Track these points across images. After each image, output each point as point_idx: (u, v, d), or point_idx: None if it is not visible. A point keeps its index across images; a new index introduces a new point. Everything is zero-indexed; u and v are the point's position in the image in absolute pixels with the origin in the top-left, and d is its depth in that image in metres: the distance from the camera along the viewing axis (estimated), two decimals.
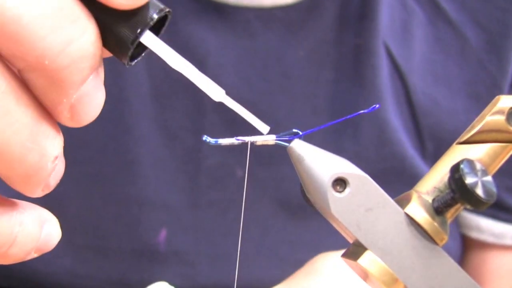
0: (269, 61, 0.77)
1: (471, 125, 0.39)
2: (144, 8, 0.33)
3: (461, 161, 0.36)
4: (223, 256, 0.77)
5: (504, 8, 0.79)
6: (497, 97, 0.38)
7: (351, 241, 0.38)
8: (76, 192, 0.75)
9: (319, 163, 0.37)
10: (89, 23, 0.32)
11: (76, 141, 0.73)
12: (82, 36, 0.32)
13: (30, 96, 0.33)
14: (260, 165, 0.76)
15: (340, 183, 0.37)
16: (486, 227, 0.83)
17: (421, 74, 0.79)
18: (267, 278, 0.72)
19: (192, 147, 0.76)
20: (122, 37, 0.33)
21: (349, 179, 0.37)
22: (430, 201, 0.37)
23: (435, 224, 0.37)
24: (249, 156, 0.40)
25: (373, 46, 0.77)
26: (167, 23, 0.35)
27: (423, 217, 0.37)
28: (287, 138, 0.38)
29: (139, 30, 0.33)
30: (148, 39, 0.34)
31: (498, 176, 0.39)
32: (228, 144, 0.39)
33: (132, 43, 0.33)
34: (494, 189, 0.36)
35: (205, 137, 0.39)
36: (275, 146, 0.39)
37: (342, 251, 0.39)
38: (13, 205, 0.35)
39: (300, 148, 0.37)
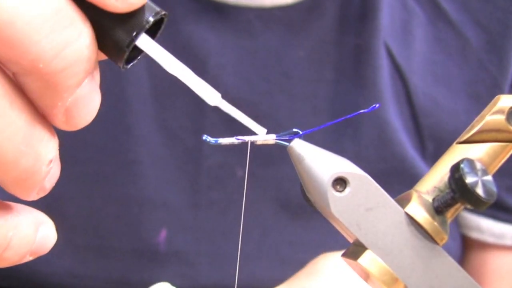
0: (270, 61, 0.77)
1: (471, 125, 0.39)
2: (140, 11, 0.33)
3: (461, 161, 0.36)
4: (223, 256, 0.77)
5: (505, 8, 0.79)
6: (497, 96, 0.38)
7: (351, 241, 0.38)
8: (76, 192, 0.75)
9: (319, 162, 0.37)
10: (84, 26, 0.32)
11: (76, 141, 0.73)
12: (77, 40, 0.31)
13: (24, 100, 0.32)
14: (261, 165, 0.76)
15: (340, 182, 0.37)
16: (486, 227, 0.83)
17: (421, 74, 0.79)
18: (268, 278, 0.73)
19: (192, 147, 0.76)
20: (118, 41, 0.33)
21: (349, 179, 0.37)
22: (430, 200, 0.37)
23: (435, 223, 0.37)
24: (250, 156, 0.40)
25: (373, 46, 0.77)
26: (163, 26, 0.35)
27: (423, 216, 0.37)
28: (287, 138, 0.38)
29: (134, 33, 0.33)
30: (144, 42, 0.33)
31: (498, 176, 0.39)
32: (228, 143, 0.39)
33: (127, 47, 0.33)
34: (494, 189, 0.36)
35: (205, 137, 0.39)
36: (276, 146, 0.39)
37: (344, 251, 0.39)
38: (8, 208, 0.35)
39: (300, 147, 0.37)
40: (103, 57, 0.34)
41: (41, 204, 0.79)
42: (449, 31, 0.80)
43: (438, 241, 0.37)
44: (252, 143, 0.39)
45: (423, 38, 0.79)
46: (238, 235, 0.77)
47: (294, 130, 0.38)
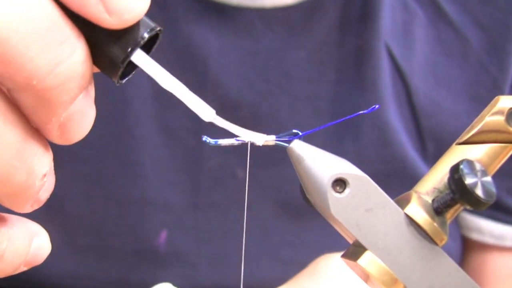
0: (270, 62, 0.77)
1: (470, 126, 0.39)
2: (135, 27, 0.33)
3: (461, 162, 0.36)
4: (224, 257, 0.77)
5: (505, 10, 0.79)
6: (496, 97, 0.38)
7: (351, 242, 0.38)
8: (77, 192, 0.76)
9: (318, 163, 0.37)
10: (78, 43, 0.32)
11: (77, 141, 0.73)
12: (71, 57, 0.31)
13: (18, 115, 0.32)
14: (261, 166, 0.76)
15: (340, 183, 0.37)
16: (486, 228, 0.83)
17: (422, 75, 0.79)
18: (268, 279, 0.72)
19: (193, 148, 0.76)
20: (113, 57, 0.33)
21: (349, 180, 0.37)
22: (430, 201, 0.37)
23: (435, 224, 0.37)
24: (250, 158, 0.40)
25: (374, 47, 0.77)
26: (158, 42, 0.35)
27: (422, 217, 0.37)
28: (287, 139, 0.38)
29: (129, 49, 0.33)
30: (139, 58, 0.33)
31: (498, 177, 0.39)
32: (228, 144, 0.39)
33: (122, 62, 0.33)
34: (493, 190, 0.36)
35: (205, 138, 0.39)
36: (276, 147, 0.39)
37: (343, 252, 0.39)
38: (2, 219, 0.34)
39: (300, 148, 0.37)
40: (98, 69, 0.34)
41: (42, 205, 0.79)
42: (450, 32, 0.80)
43: (438, 241, 0.37)
44: (252, 144, 0.39)
45: (424, 39, 0.79)
46: (238, 236, 0.77)
47: (294, 131, 0.38)
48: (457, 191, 0.36)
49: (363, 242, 0.36)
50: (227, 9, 0.76)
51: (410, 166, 0.78)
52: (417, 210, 0.37)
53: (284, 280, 0.64)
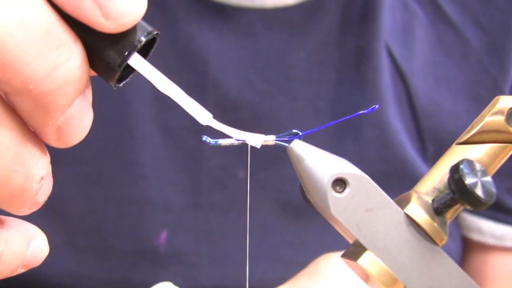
0: (271, 62, 0.77)
1: (470, 126, 0.39)
2: (132, 31, 0.32)
3: (461, 162, 0.36)
4: (224, 257, 0.77)
5: (506, 10, 0.79)
6: (496, 97, 0.38)
7: (351, 242, 0.38)
8: (77, 192, 0.76)
9: (318, 163, 0.37)
10: (75, 47, 0.32)
11: (75, 144, 0.73)
12: (68, 61, 0.31)
13: (15, 119, 0.32)
14: (261, 166, 0.76)
15: (340, 183, 0.37)
16: (486, 229, 0.83)
17: (422, 75, 0.79)
18: (268, 279, 0.73)
19: (193, 148, 0.76)
20: (110, 60, 0.33)
21: (349, 180, 0.37)
22: (430, 201, 0.37)
23: (435, 224, 0.37)
24: (250, 158, 0.40)
25: (375, 47, 0.77)
26: (155, 45, 0.35)
27: (422, 217, 0.37)
28: (287, 139, 0.38)
29: (126, 53, 0.33)
30: (136, 62, 0.33)
31: (498, 177, 0.39)
32: (228, 144, 0.39)
33: (119, 66, 0.33)
34: (493, 190, 0.36)
35: (205, 137, 0.39)
36: (276, 147, 0.39)
37: (343, 252, 0.39)
38: None
39: (300, 148, 0.37)
40: (95, 74, 0.34)
41: (43, 205, 0.79)
42: (450, 32, 0.80)
43: (438, 241, 0.37)
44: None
45: (424, 39, 0.79)
46: (238, 236, 0.77)
47: (294, 131, 0.38)
48: (457, 191, 0.36)
49: (363, 242, 0.36)
50: (227, 9, 0.76)
51: (410, 166, 0.78)
52: (417, 210, 0.37)
53: (284, 280, 0.64)
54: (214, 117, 0.37)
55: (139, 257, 0.76)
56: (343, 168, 0.37)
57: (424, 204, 0.37)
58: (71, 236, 0.76)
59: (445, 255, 0.37)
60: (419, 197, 0.37)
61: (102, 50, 0.32)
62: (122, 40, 0.32)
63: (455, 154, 0.38)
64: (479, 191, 0.35)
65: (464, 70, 0.80)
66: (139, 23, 0.33)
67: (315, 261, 0.64)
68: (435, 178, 0.38)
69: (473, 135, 0.38)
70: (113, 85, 0.34)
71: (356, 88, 0.77)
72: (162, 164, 0.76)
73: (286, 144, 0.38)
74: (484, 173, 0.36)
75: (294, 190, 0.76)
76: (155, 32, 0.34)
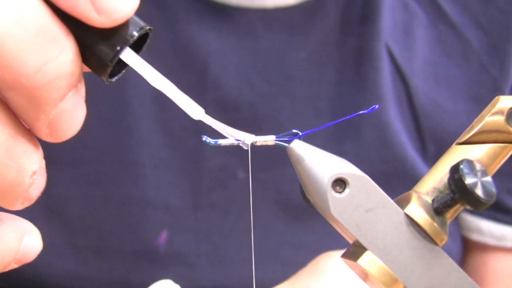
0: (271, 63, 0.77)
1: (470, 126, 0.39)
2: (124, 26, 0.33)
3: (461, 162, 0.36)
4: (224, 257, 0.77)
5: (506, 10, 0.79)
6: (496, 97, 0.38)
7: (350, 242, 0.38)
8: (77, 193, 0.76)
9: (318, 163, 0.37)
10: (67, 41, 0.32)
11: (77, 142, 0.73)
12: (60, 55, 0.31)
13: (7, 113, 0.32)
14: (261, 167, 0.76)
15: (340, 183, 0.37)
16: (487, 229, 0.83)
17: (422, 76, 0.79)
18: (268, 279, 0.72)
19: (193, 148, 0.76)
20: (101, 55, 0.33)
21: (349, 180, 0.37)
22: (430, 201, 0.37)
23: (435, 224, 0.37)
24: (250, 158, 0.40)
25: (375, 48, 0.77)
26: (148, 41, 0.35)
27: (422, 217, 0.37)
28: (286, 139, 0.38)
29: (118, 48, 0.33)
30: (128, 56, 0.33)
31: (498, 177, 0.39)
32: (227, 144, 0.39)
33: (111, 61, 0.33)
34: (493, 190, 0.36)
35: (204, 138, 0.39)
36: (276, 148, 0.39)
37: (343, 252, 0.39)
38: None
39: (300, 148, 0.37)
40: (88, 69, 0.34)
41: (43, 206, 0.79)
42: (450, 32, 0.80)
43: (438, 242, 0.37)
44: (252, 144, 0.39)
45: (424, 40, 0.79)
46: (238, 237, 0.77)
47: (294, 131, 0.38)
48: (457, 191, 0.36)
49: (363, 242, 0.36)
50: (227, 10, 0.76)
51: (410, 166, 0.78)
52: (417, 210, 0.37)
53: (284, 280, 0.64)
54: (214, 116, 0.37)
55: (139, 257, 0.76)
56: (343, 168, 0.37)
57: (424, 204, 0.37)
58: (71, 236, 0.76)
59: (445, 255, 0.37)
60: (419, 197, 0.37)
61: (95, 44, 0.33)
62: (115, 35, 0.33)
63: (455, 154, 0.38)
64: (479, 191, 0.35)
65: (464, 70, 0.80)
66: (132, 18, 0.33)
67: (315, 260, 0.64)
68: (435, 178, 0.38)
69: (473, 135, 0.38)
70: (105, 79, 0.34)
71: (356, 88, 0.77)
72: (162, 164, 0.76)
73: (286, 144, 0.38)
74: (484, 173, 0.36)
75: (294, 190, 0.76)
76: (148, 28, 0.34)
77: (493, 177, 0.37)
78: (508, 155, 0.38)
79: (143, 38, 0.34)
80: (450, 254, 0.38)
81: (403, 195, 0.38)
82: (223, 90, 0.76)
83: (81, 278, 0.76)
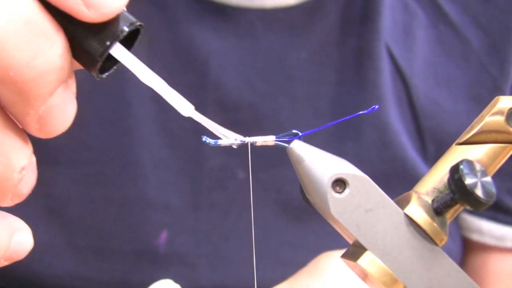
0: (271, 63, 0.77)
1: (470, 126, 0.39)
2: (114, 21, 0.33)
3: (461, 162, 0.36)
4: (224, 258, 0.77)
5: (506, 10, 0.79)
6: (496, 97, 0.38)
7: (350, 242, 0.38)
8: (77, 193, 0.76)
9: (318, 163, 0.37)
10: (57, 36, 0.32)
11: (77, 142, 0.73)
12: (49, 50, 0.31)
13: None
14: (261, 167, 0.76)
15: (340, 183, 0.37)
16: (487, 229, 0.83)
17: (423, 76, 0.79)
18: (268, 279, 0.72)
19: (193, 148, 0.76)
20: (91, 50, 0.33)
21: (349, 180, 0.37)
22: (430, 201, 0.37)
23: (435, 224, 0.37)
24: (250, 159, 0.40)
25: (375, 48, 0.77)
26: (140, 37, 0.35)
27: (422, 217, 0.37)
28: (286, 139, 0.38)
29: (108, 43, 0.33)
30: (118, 52, 0.33)
31: (498, 177, 0.39)
32: (227, 144, 0.39)
33: (100, 56, 0.33)
34: (493, 190, 0.36)
35: (204, 138, 0.39)
36: (276, 148, 0.39)
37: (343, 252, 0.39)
38: None
39: (300, 148, 0.37)
40: (79, 66, 0.34)
41: (43, 206, 0.79)
42: (450, 33, 0.80)
43: (438, 242, 0.37)
44: (252, 144, 0.39)
45: (425, 40, 0.79)
46: (238, 237, 0.76)
47: (294, 131, 0.38)
48: (457, 191, 0.36)
49: (363, 242, 0.36)
50: (228, 10, 0.76)
51: (410, 166, 0.78)
52: (417, 210, 0.37)
53: (284, 280, 0.64)
54: (214, 116, 0.37)
55: (139, 258, 0.76)
56: (343, 169, 0.37)
57: (424, 204, 0.37)
58: (71, 236, 0.76)
59: (445, 255, 0.37)
60: (419, 197, 0.37)
61: (84, 39, 0.32)
62: (104, 30, 0.33)
63: (455, 154, 0.38)
64: (479, 192, 0.35)
65: (464, 70, 0.80)
66: (122, 13, 0.33)
67: (315, 259, 0.64)
68: (435, 178, 0.38)
69: (473, 135, 0.38)
70: (95, 75, 0.34)
71: (356, 88, 0.77)
72: (162, 164, 0.76)
73: (286, 145, 0.38)
74: (484, 173, 0.36)
75: (294, 191, 0.76)
76: (138, 23, 0.33)
77: (493, 177, 0.37)
78: (508, 155, 0.38)
79: (134, 34, 0.34)
80: (450, 254, 0.38)
81: (403, 195, 0.38)
82: (223, 90, 0.76)
83: (81, 278, 0.76)
